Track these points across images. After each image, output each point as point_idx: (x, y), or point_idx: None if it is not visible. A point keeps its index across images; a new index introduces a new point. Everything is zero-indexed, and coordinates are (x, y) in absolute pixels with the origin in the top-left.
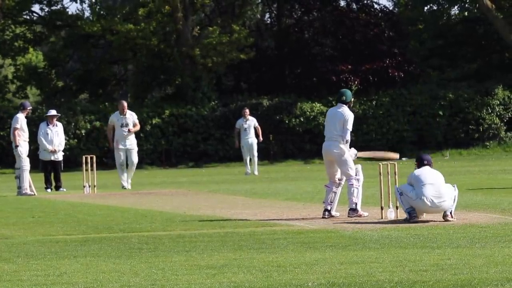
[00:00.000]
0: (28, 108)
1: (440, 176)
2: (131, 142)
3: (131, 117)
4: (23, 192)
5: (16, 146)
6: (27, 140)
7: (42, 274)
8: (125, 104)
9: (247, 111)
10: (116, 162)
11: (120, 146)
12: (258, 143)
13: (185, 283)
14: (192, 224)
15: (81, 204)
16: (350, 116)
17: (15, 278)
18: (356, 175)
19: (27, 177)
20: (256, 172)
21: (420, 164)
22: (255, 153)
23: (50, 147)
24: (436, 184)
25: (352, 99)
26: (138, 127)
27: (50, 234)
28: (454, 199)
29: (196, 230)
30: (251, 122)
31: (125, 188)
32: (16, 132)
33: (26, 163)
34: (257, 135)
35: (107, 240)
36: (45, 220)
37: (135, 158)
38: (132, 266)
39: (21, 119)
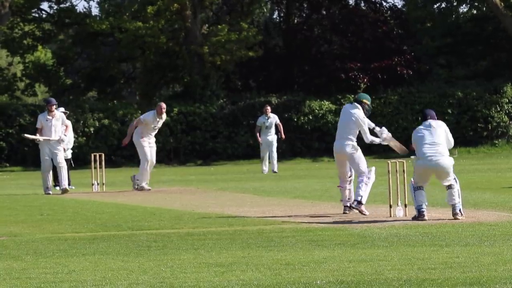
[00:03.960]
0: (50, 104)
1: (441, 132)
2: (153, 141)
3: (162, 120)
4: (63, 187)
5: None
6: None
7: (51, 272)
8: (164, 106)
9: (269, 108)
10: (144, 161)
11: (149, 144)
12: (280, 140)
13: (193, 281)
14: (201, 222)
15: (89, 202)
16: (359, 117)
17: (23, 275)
18: (368, 173)
19: (63, 173)
20: (275, 169)
21: (424, 119)
22: (274, 150)
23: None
24: (435, 143)
25: (365, 101)
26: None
27: (59, 232)
28: (458, 194)
29: (205, 228)
30: (273, 119)
31: (149, 189)
32: (37, 132)
33: (45, 164)
34: (278, 132)
35: (115, 238)
36: (53, 218)
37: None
38: (141, 264)
39: (40, 119)
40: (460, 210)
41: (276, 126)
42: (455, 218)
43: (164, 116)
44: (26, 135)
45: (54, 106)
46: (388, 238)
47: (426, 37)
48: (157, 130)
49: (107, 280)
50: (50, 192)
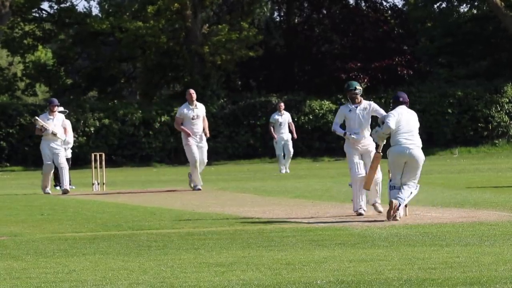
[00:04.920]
0: (52, 105)
1: (414, 121)
2: (203, 140)
3: (202, 109)
4: (64, 188)
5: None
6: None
7: (51, 272)
8: (193, 92)
9: (282, 105)
10: (190, 160)
11: (197, 143)
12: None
13: (194, 281)
14: (201, 222)
15: (90, 202)
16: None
17: (24, 275)
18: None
19: (64, 174)
20: (288, 170)
21: (395, 102)
22: (291, 149)
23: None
24: (411, 131)
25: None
26: (206, 123)
27: (59, 231)
28: (411, 195)
29: (205, 228)
30: (286, 117)
31: (199, 189)
32: (36, 132)
33: (47, 168)
34: (290, 132)
35: (116, 238)
36: (54, 218)
37: (206, 157)
38: (141, 264)
39: (41, 118)
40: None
41: (289, 124)
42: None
43: (197, 103)
44: (37, 118)
45: (56, 107)
46: (388, 238)
47: (427, 37)
48: (199, 125)
49: (108, 280)
50: (50, 192)
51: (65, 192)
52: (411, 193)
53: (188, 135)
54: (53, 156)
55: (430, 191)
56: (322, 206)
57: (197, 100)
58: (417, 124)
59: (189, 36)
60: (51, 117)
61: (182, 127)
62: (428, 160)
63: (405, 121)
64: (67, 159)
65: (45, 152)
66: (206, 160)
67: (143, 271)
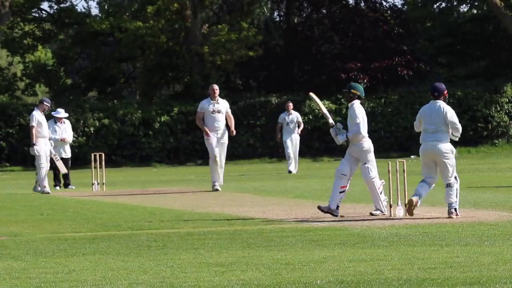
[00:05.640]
0: (45, 103)
1: (440, 115)
2: (225, 135)
3: (224, 105)
4: (38, 189)
5: (33, 145)
6: (46, 136)
7: (51, 272)
8: (216, 87)
9: (291, 105)
10: (210, 157)
11: (213, 136)
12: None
13: (193, 281)
14: (201, 222)
15: (89, 202)
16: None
17: (23, 275)
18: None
19: (43, 175)
20: (295, 170)
21: (432, 94)
22: (297, 150)
23: (58, 137)
24: (434, 126)
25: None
26: (232, 120)
27: (59, 231)
28: (456, 194)
29: (205, 228)
30: (294, 116)
31: (217, 190)
32: (33, 130)
33: (43, 161)
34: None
35: (115, 238)
36: (53, 218)
37: (225, 152)
38: (141, 264)
39: (36, 116)
40: (455, 209)
41: (298, 124)
42: (450, 217)
43: (220, 99)
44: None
45: (48, 107)
46: (388, 237)
47: (426, 37)
48: (221, 120)
49: (107, 279)
50: (40, 189)
51: (43, 192)
52: (456, 189)
53: (207, 134)
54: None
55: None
56: None
57: (197, 100)
58: (442, 119)
59: (188, 36)
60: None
61: (201, 123)
62: None
63: (427, 116)
64: (67, 159)
65: (41, 153)
66: (224, 155)
67: (143, 271)
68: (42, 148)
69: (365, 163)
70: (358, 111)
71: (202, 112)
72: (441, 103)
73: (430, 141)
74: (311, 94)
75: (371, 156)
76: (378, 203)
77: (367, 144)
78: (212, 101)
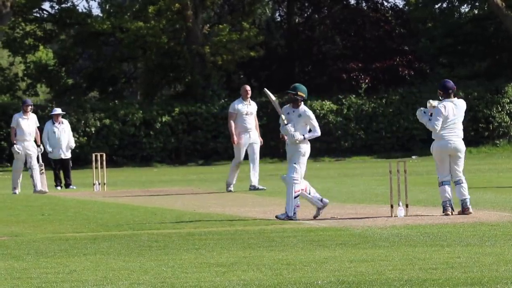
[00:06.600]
0: (26, 105)
1: (460, 112)
2: (255, 136)
3: (255, 107)
4: (37, 189)
5: (13, 144)
6: (27, 139)
7: (52, 272)
8: (249, 88)
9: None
10: (235, 158)
11: (244, 140)
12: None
13: (194, 281)
14: (202, 222)
15: (90, 202)
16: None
17: (24, 275)
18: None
19: (15, 177)
20: None
21: (445, 93)
22: None
23: (49, 149)
24: (454, 123)
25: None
26: (257, 123)
27: (60, 231)
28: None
29: (206, 228)
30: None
31: (230, 191)
32: (12, 131)
33: (17, 163)
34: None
35: (116, 238)
36: (54, 218)
37: (257, 153)
38: (142, 264)
39: (16, 118)
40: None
41: None
42: (464, 213)
43: (251, 101)
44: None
45: (30, 107)
46: (389, 238)
47: (427, 37)
48: (251, 122)
49: (108, 280)
50: (17, 192)
51: (40, 192)
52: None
53: (233, 142)
54: (26, 156)
55: (431, 191)
56: None
57: (197, 100)
58: (461, 116)
59: (190, 36)
60: (25, 117)
61: (232, 127)
62: (428, 160)
63: (446, 113)
64: (67, 159)
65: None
66: (257, 157)
67: (144, 271)
68: (18, 150)
69: (294, 163)
70: (313, 115)
71: (235, 113)
72: (461, 101)
73: (453, 136)
74: (265, 90)
75: (304, 160)
76: (289, 205)
77: (306, 148)
78: (244, 103)
